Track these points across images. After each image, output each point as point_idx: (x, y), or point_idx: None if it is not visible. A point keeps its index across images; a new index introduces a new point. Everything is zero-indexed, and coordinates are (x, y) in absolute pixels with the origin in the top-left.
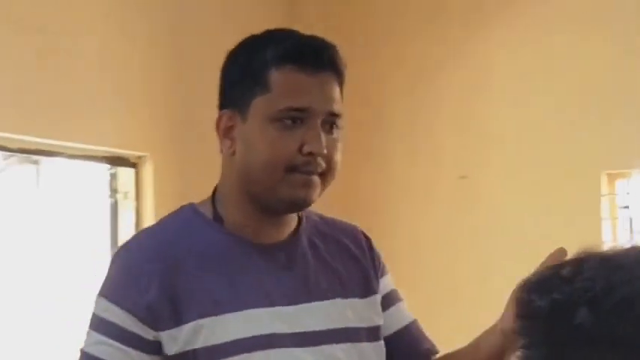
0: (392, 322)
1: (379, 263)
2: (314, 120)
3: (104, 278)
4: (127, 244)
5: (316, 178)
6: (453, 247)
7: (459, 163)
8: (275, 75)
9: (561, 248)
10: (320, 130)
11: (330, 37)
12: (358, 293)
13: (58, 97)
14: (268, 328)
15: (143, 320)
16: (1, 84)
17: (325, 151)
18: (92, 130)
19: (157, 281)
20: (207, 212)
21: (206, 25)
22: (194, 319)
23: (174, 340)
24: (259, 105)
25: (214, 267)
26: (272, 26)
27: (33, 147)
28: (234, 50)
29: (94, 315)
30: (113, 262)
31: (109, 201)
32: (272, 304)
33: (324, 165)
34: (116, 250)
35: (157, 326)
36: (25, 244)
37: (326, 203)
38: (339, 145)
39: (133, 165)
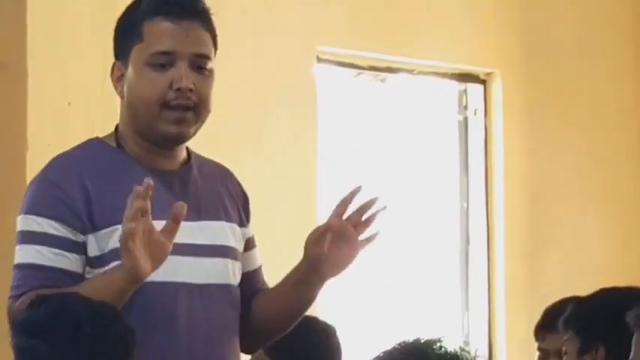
0: (248, 263)
1: (248, 208)
2: (181, 62)
3: (27, 200)
4: (44, 170)
5: (189, 115)
6: None
7: None
8: (146, 26)
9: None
10: (186, 69)
11: None
12: (235, 220)
13: (407, 15)
14: None
15: (73, 226)
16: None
17: (192, 87)
18: (441, 46)
19: (76, 193)
20: (112, 143)
21: None
22: (109, 226)
23: (95, 243)
24: (136, 53)
25: (121, 183)
26: None
27: (382, 65)
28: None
29: (23, 232)
30: (33, 184)
31: (457, 118)
32: None
33: (195, 99)
34: (33, 177)
35: (82, 231)
36: (372, 161)
37: None
38: (210, 82)
39: (482, 82)
